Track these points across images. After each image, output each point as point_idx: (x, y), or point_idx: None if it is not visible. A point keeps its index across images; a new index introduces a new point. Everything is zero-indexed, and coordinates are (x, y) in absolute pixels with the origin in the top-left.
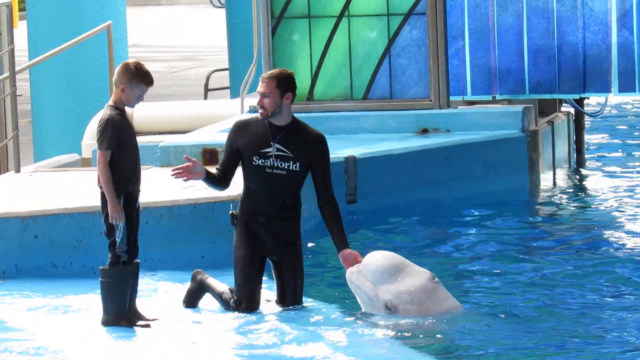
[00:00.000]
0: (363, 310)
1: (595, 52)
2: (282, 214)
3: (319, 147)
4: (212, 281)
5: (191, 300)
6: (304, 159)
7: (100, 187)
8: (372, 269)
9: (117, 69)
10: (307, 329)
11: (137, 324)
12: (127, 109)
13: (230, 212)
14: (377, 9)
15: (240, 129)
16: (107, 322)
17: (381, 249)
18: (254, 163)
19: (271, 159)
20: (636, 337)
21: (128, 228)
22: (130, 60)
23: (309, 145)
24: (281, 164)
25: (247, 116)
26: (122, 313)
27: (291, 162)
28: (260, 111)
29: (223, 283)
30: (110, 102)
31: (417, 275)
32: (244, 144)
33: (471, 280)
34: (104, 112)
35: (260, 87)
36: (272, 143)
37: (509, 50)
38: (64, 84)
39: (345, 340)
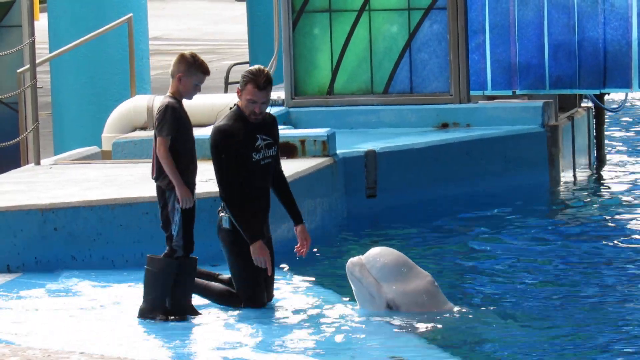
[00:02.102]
0: (358, 302)
1: (616, 48)
2: (269, 203)
3: (277, 126)
4: (204, 282)
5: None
6: (277, 140)
7: (155, 180)
8: (379, 266)
9: (174, 60)
10: (310, 322)
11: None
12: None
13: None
14: (398, 3)
15: (228, 135)
16: (143, 311)
17: (397, 243)
18: (253, 159)
19: (262, 150)
20: None
21: (184, 222)
22: (186, 52)
23: (274, 127)
24: (268, 152)
25: (220, 123)
26: (159, 305)
27: (274, 148)
28: (254, 117)
29: (210, 282)
30: (169, 93)
31: (421, 278)
32: (238, 145)
33: (487, 276)
34: (161, 100)
35: (263, 96)
36: (257, 136)
37: (529, 46)
38: (85, 77)
39: (345, 335)
